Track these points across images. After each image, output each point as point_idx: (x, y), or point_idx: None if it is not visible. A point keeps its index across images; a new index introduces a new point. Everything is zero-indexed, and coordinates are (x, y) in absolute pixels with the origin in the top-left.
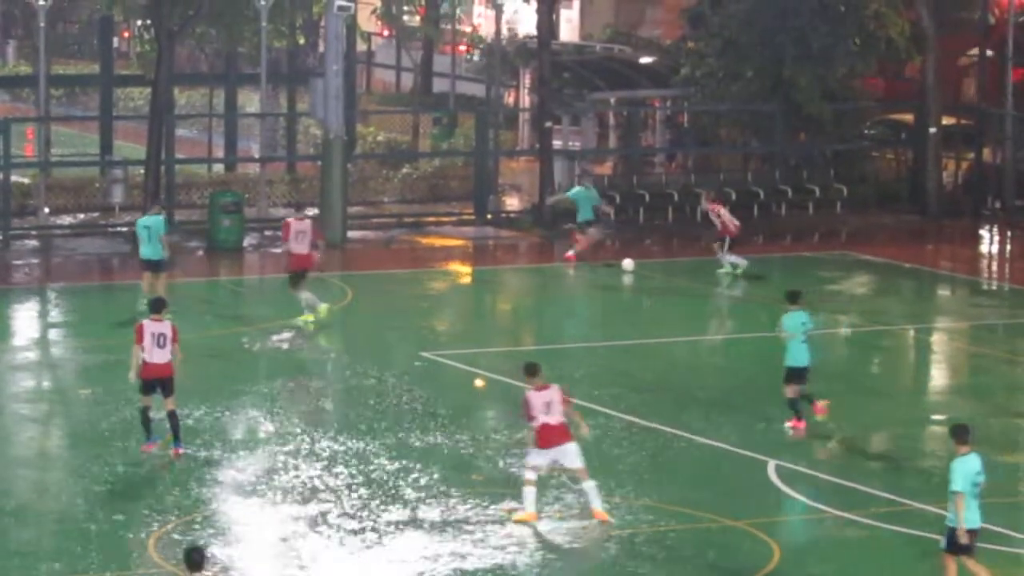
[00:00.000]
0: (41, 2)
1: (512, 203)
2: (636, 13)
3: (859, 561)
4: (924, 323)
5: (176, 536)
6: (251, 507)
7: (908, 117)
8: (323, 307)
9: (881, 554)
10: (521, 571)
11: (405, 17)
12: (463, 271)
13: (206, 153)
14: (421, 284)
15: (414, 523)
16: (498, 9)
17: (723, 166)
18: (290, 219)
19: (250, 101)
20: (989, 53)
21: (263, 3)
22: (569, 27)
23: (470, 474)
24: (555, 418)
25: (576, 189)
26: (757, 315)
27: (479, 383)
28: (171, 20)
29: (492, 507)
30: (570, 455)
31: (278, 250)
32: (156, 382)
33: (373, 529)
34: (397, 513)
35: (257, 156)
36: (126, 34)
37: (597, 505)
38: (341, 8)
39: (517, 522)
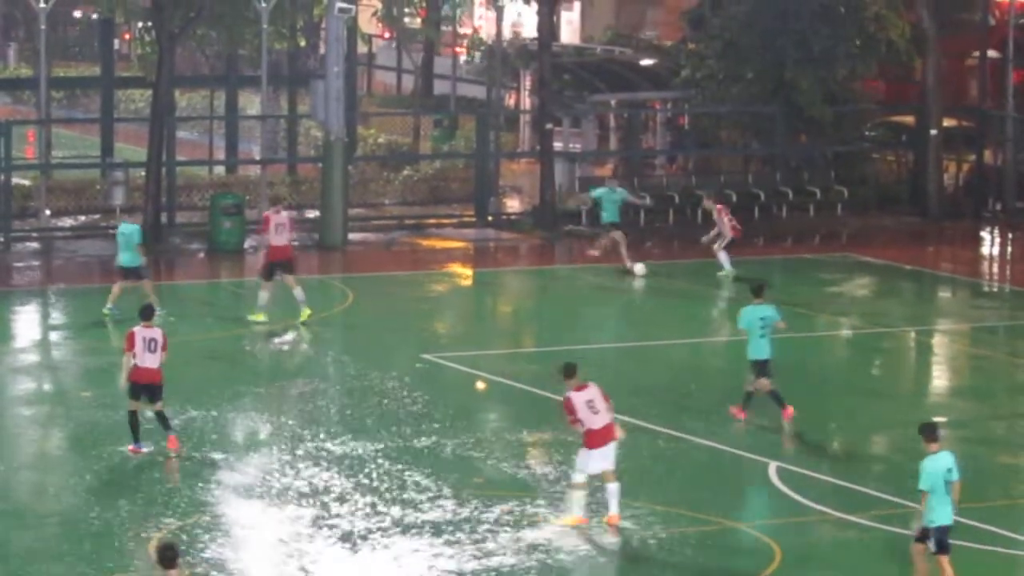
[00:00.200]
0: (42, 5)
1: (513, 205)
2: (637, 15)
3: (860, 563)
4: (925, 325)
5: (180, 538)
6: (252, 509)
7: (909, 119)
8: (262, 316)
9: (882, 556)
10: (521, 574)
11: (406, 19)
12: (464, 273)
13: (207, 155)
14: (422, 286)
15: (415, 525)
16: (499, 11)
17: (724, 168)
18: (269, 212)
19: (251, 103)
20: (994, 54)
21: (264, 5)
22: (570, 29)
23: (471, 476)
24: (601, 417)
25: (601, 190)
26: None
27: (480, 385)
28: (172, 22)
29: (493, 509)
30: (611, 456)
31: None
32: (145, 387)
33: (374, 531)
34: (398, 515)
35: (258, 158)
36: (127, 36)
37: (614, 509)
38: (342, 10)
39: (568, 525)
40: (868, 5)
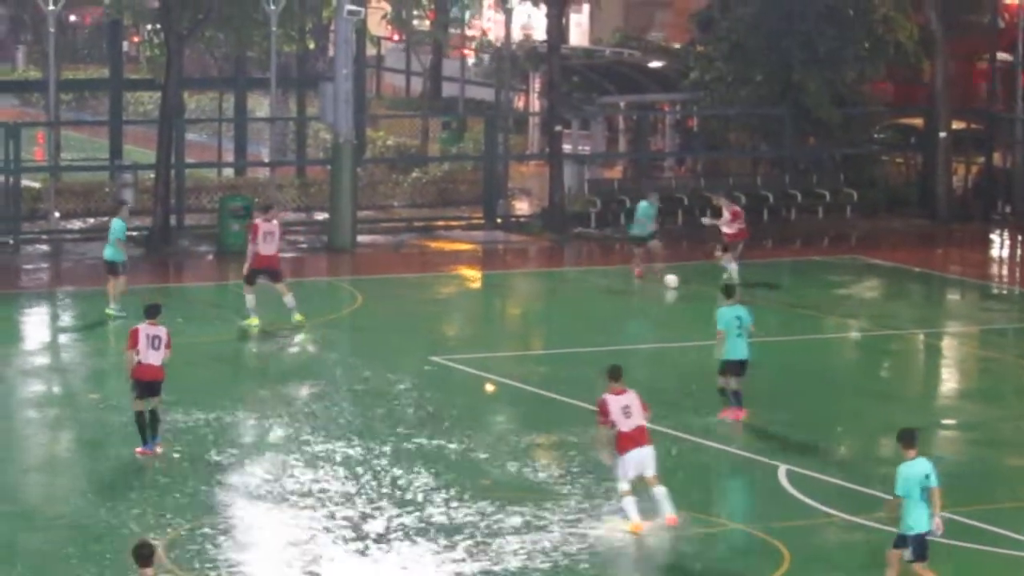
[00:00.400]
0: (51, 7)
1: (522, 207)
2: (645, 17)
3: (869, 565)
4: (934, 327)
5: (188, 541)
6: (261, 511)
7: (918, 121)
8: (254, 320)
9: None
10: None
11: (415, 22)
12: (473, 275)
13: (216, 157)
14: (430, 288)
15: (423, 527)
16: (507, 13)
17: (732, 170)
18: (258, 220)
19: (260, 105)
20: (1006, 56)
21: (272, 8)
22: (578, 31)
23: (480, 478)
24: (634, 422)
25: (641, 205)
26: (765, 319)
27: (489, 388)
28: (180, 24)
29: (501, 511)
30: (648, 461)
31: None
32: (147, 384)
33: (382, 533)
34: (406, 517)
35: (267, 160)
36: (135, 39)
37: (668, 511)
38: (351, 13)
39: (628, 531)
40: (876, 7)
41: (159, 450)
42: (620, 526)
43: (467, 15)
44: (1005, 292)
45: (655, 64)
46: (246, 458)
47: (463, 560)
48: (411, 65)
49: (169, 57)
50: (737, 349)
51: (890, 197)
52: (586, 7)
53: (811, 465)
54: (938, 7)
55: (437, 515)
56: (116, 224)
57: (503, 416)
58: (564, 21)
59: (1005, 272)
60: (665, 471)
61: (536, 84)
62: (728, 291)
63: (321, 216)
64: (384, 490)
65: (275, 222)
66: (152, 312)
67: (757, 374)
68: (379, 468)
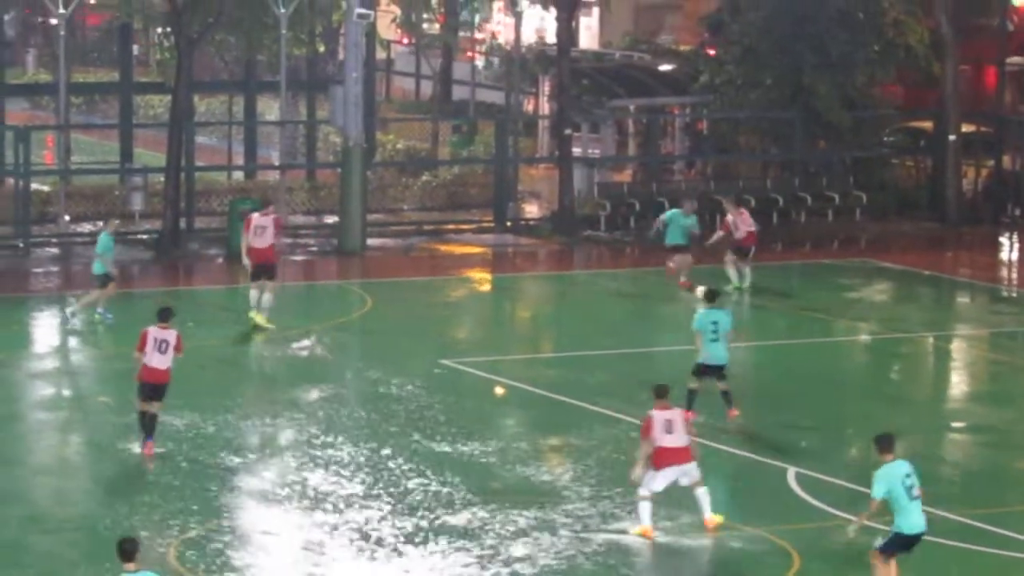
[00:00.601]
0: (61, 10)
1: (531, 210)
2: (655, 21)
3: None
4: (943, 330)
5: (197, 543)
6: (271, 514)
7: (927, 124)
8: (259, 315)
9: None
10: None
11: (425, 25)
12: (482, 279)
13: (226, 160)
14: (440, 292)
15: (433, 530)
16: (517, 17)
17: (742, 173)
18: (253, 214)
19: (269, 109)
20: (1018, 60)
21: (283, 11)
22: (588, 34)
23: (489, 482)
24: (676, 439)
25: (670, 212)
26: (775, 323)
27: (499, 391)
28: (191, 27)
29: (511, 514)
30: (690, 474)
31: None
32: (150, 386)
33: (391, 536)
34: (416, 520)
35: (277, 163)
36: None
37: (707, 513)
38: (360, 16)
39: (636, 535)
40: (887, 10)
41: (153, 451)
42: (631, 529)
43: (477, 18)
44: (1015, 295)
45: (665, 67)
46: (256, 461)
47: (473, 564)
48: (421, 68)
49: (179, 60)
50: (711, 353)
51: (900, 200)
52: (596, 10)
53: (820, 468)
54: (948, 10)
55: (446, 519)
56: (103, 239)
57: (513, 419)
58: (574, 24)
59: (1015, 275)
60: None
61: (546, 87)
62: (709, 295)
63: (331, 219)
64: (393, 493)
65: (269, 217)
66: (163, 315)
67: (767, 377)
68: (389, 471)
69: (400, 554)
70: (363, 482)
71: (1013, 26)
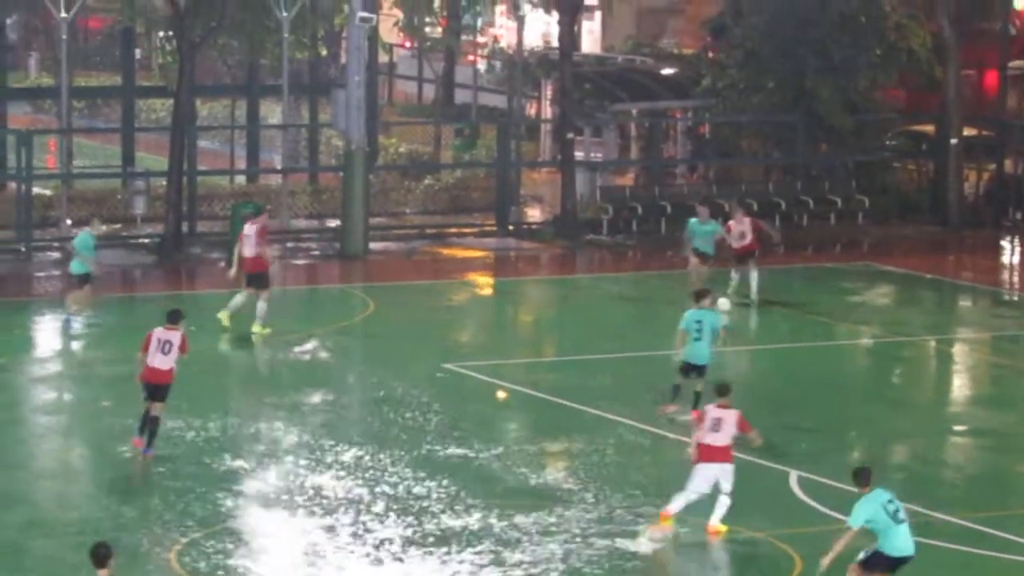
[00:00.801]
0: (63, 14)
1: (534, 214)
2: (657, 24)
3: None
4: (945, 334)
5: (198, 547)
6: (273, 518)
7: (929, 128)
8: (224, 314)
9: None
10: None
11: (427, 29)
12: (485, 282)
13: (228, 164)
14: (443, 295)
15: (435, 535)
16: (519, 20)
17: (744, 177)
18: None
19: (272, 112)
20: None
21: (285, 14)
22: (590, 38)
23: (492, 486)
24: (719, 438)
25: (689, 224)
26: (777, 326)
27: (501, 395)
28: (193, 31)
29: (514, 518)
30: (727, 477)
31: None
32: (151, 386)
33: (394, 540)
34: (419, 524)
35: (279, 167)
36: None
37: (715, 519)
38: (363, 20)
39: (659, 522)
40: (889, 14)
41: (150, 456)
42: (650, 532)
43: (479, 22)
44: (1016, 299)
45: (667, 71)
46: (258, 465)
47: (475, 569)
48: (423, 72)
49: (182, 64)
50: (694, 352)
51: (902, 204)
52: (598, 14)
53: (822, 471)
54: (950, 14)
55: (449, 523)
56: (84, 237)
57: (515, 423)
58: (576, 28)
59: (1016, 279)
60: (680, 477)
61: (548, 91)
62: (697, 295)
63: (333, 223)
64: (396, 497)
65: (254, 226)
66: (172, 317)
67: (769, 380)
68: (391, 475)
69: (401, 558)
70: (365, 486)
71: (1015, 30)
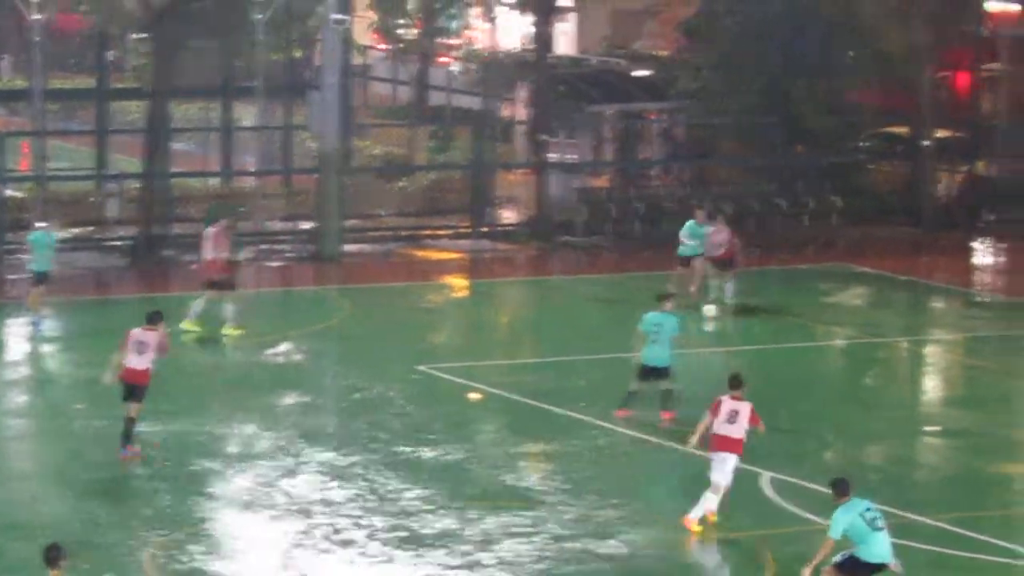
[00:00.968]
0: (36, 16)
1: (509, 216)
2: (632, 26)
3: None
4: (919, 335)
5: (172, 549)
6: (245, 521)
7: (904, 130)
8: (186, 323)
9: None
10: None
11: (402, 31)
12: (460, 284)
13: (202, 167)
14: (417, 297)
15: (411, 537)
16: (493, 22)
17: (719, 178)
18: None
19: (247, 114)
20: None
21: (259, 17)
22: (565, 40)
23: (467, 487)
24: (734, 430)
25: (687, 225)
26: (752, 327)
27: (475, 396)
28: (167, 33)
29: (489, 520)
30: (728, 464)
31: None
32: (129, 387)
33: (369, 542)
34: (394, 526)
35: (254, 169)
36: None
37: (694, 513)
38: (337, 22)
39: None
40: (864, 16)
41: (130, 455)
42: (691, 515)
43: (455, 25)
44: (989, 300)
45: (642, 73)
46: (232, 467)
47: (449, 570)
48: (398, 74)
49: (156, 66)
50: (650, 354)
51: (876, 205)
52: (573, 16)
53: (795, 472)
54: (925, 17)
55: (423, 525)
56: (38, 235)
57: (490, 425)
58: (551, 30)
59: (989, 280)
60: (652, 479)
61: (523, 93)
62: (660, 296)
63: (308, 225)
64: (370, 499)
65: (214, 229)
66: (151, 318)
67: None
68: (365, 477)
69: (376, 560)
70: (339, 488)
71: (988, 32)
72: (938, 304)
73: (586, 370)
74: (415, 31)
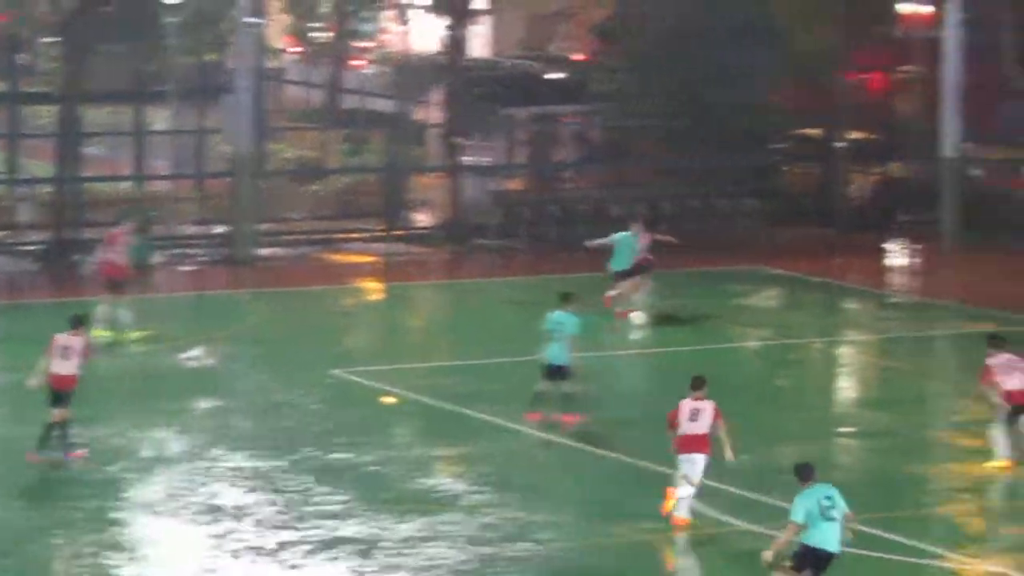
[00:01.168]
0: None
1: (423, 219)
2: (547, 30)
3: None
4: (833, 336)
5: (84, 556)
6: (160, 526)
7: (818, 132)
8: (95, 331)
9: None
10: None
11: (316, 34)
12: (374, 287)
13: (115, 171)
14: (332, 301)
15: (326, 541)
16: (406, 25)
17: (634, 181)
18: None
19: (159, 118)
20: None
21: (172, 20)
22: (480, 43)
23: (381, 492)
24: (699, 427)
25: (620, 235)
26: (666, 330)
27: (390, 400)
28: (80, 37)
29: (404, 524)
30: (698, 465)
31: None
32: (56, 392)
33: (284, 548)
34: (308, 532)
35: (166, 173)
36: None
37: (678, 511)
38: (250, 25)
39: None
40: (780, 19)
41: (77, 455)
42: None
43: (368, 27)
44: (902, 301)
45: (557, 75)
46: (146, 473)
47: (366, 574)
48: (312, 77)
49: (67, 70)
50: (550, 353)
51: (791, 207)
52: (488, 19)
53: (709, 475)
54: (841, 19)
55: (340, 529)
56: None
57: (405, 429)
58: (465, 33)
59: (902, 281)
60: (563, 480)
61: (437, 96)
62: (563, 296)
63: (222, 229)
64: (285, 504)
65: (112, 232)
66: (73, 323)
67: (657, 384)
68: (280, 482)
69: (291, 566)
70: (253, 493)
71: (903, 34)
72: (852, 305)
73: (500, 373)
74: (329, 34)
